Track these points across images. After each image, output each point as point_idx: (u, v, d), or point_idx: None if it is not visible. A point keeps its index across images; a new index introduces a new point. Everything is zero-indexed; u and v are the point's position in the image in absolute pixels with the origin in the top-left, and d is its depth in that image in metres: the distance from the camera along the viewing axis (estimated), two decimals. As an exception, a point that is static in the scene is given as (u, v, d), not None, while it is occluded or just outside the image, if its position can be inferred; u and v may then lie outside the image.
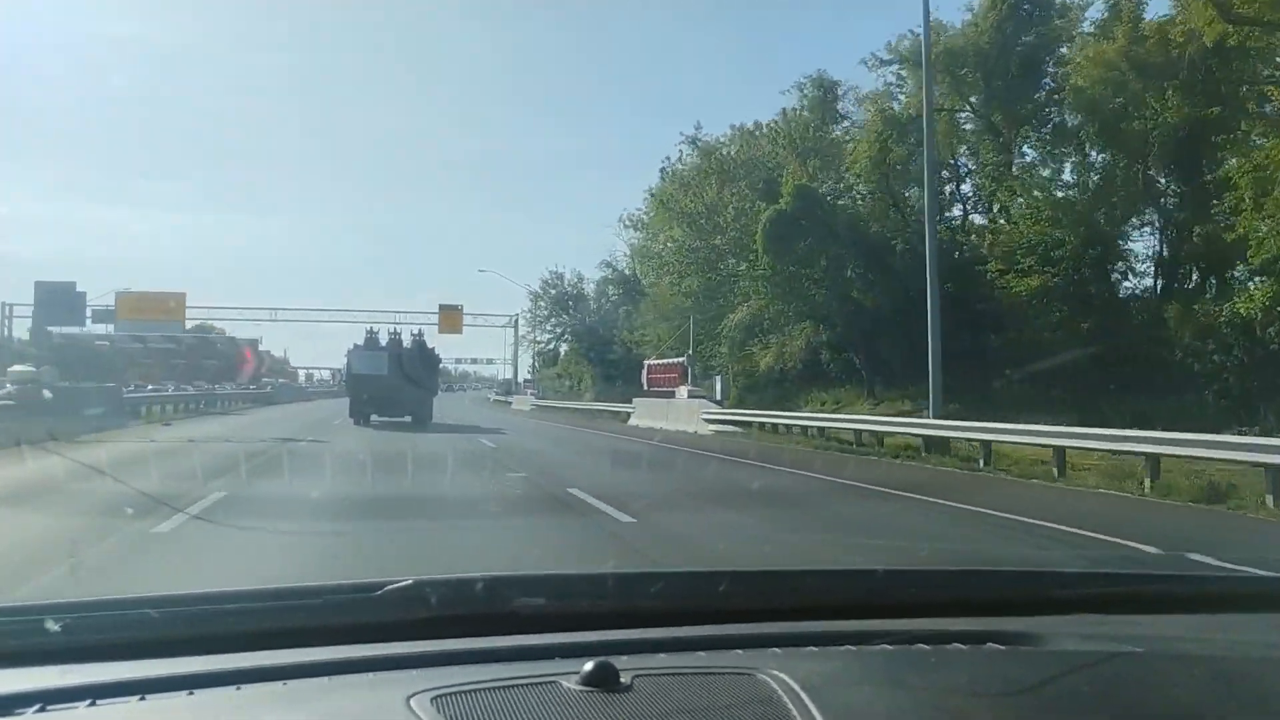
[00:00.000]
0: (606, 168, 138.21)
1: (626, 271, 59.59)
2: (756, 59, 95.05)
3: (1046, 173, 31.44)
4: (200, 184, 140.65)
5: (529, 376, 71.45)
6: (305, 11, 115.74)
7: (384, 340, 29.91)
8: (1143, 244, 29.22)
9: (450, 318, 64.52)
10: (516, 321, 73.07)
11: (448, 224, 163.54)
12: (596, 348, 59.18)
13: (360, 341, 29.94)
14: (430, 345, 31.60)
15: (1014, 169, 32.00)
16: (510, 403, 60.51)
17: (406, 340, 30.25)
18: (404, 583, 1.59)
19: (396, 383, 27.46)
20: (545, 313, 69.03)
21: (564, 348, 70.55)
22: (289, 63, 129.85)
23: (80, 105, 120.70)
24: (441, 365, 37.62)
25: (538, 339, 71.01)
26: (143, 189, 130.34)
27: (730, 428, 25.67)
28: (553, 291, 67.45)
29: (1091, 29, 29.32)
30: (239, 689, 1.34)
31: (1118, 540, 7.89)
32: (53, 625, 1.47)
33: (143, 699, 1.31)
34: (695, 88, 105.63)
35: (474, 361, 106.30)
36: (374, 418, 27.38)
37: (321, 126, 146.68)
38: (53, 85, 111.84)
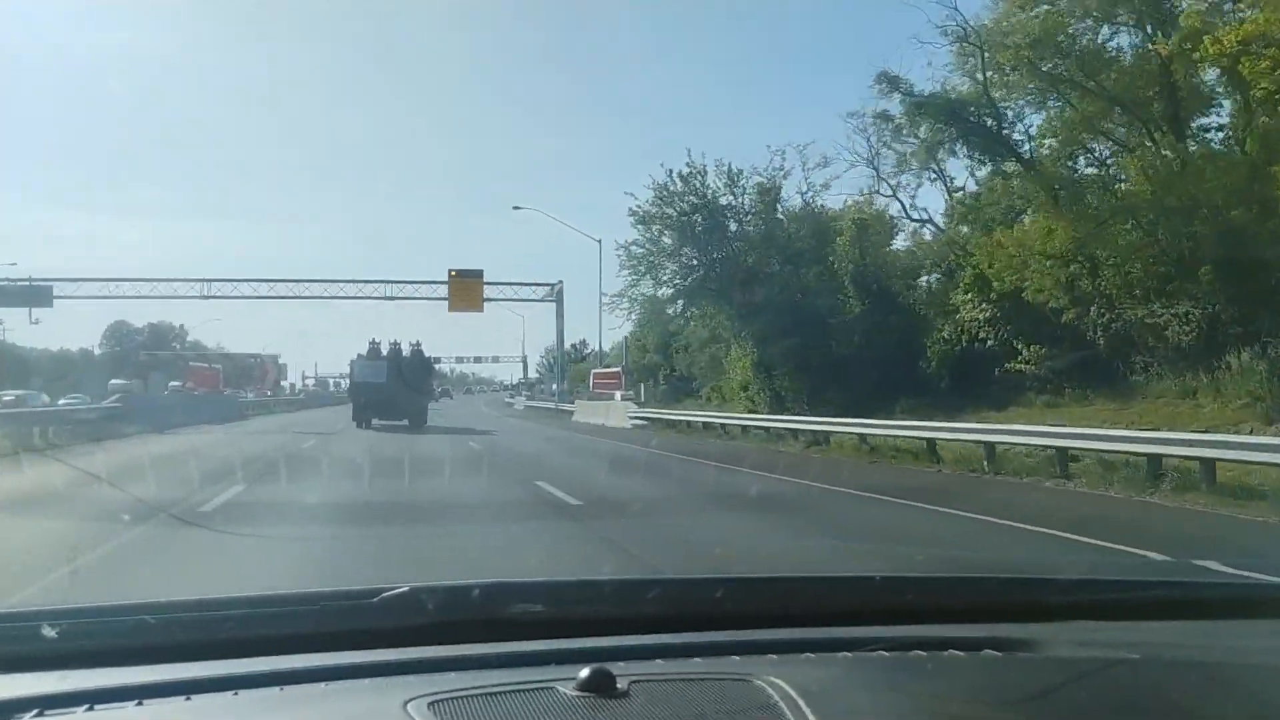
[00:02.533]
0: (595, 169, 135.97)
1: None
2: (744, 56, 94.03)
3: None
4: (190, 191, 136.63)
5: (611, 367, 47.34)
6: (292, 18, 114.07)
7: (385, 350, 32.00)
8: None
9: (465, 290, 46.20)
10: (561, 293, 49.70)
11: (442, 228, 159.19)
12: (777, 307, 29.73)
13: (364, 351, 32.23)
14: (427, 354, 34.21)
15: None
16: (570, 412, 40.21)
17: (406, 350, 32.42)
18: (400, 589, 1.60)
19: (395, 389, 29.41)
20: (668, 246, 32.49)
21: (627, 330, 45.83)
22: (276, 69, 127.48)
23: (65, 114, 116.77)
24: (437, 367, 40.06)
25: (642, 292, 34.05)
26: (132, 197, 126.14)
27: None
28: (683, 205, 31.88)
29: None
30: (236, 694, 1.35)
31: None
32: (50, 631, 1.48)
33: (140, 704, 1.32)
34: (682, 89, 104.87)
35: (477, 360, 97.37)
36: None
37: (311, 132, 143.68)
38: (36, 94, 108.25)
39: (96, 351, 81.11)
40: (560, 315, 50.86)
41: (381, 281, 49.08)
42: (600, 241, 41.39)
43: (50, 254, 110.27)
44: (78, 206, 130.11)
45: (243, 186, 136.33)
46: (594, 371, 49.15)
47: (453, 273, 46.64)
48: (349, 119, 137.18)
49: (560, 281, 51.08)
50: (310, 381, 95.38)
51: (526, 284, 51.97)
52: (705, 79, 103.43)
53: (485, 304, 48.00)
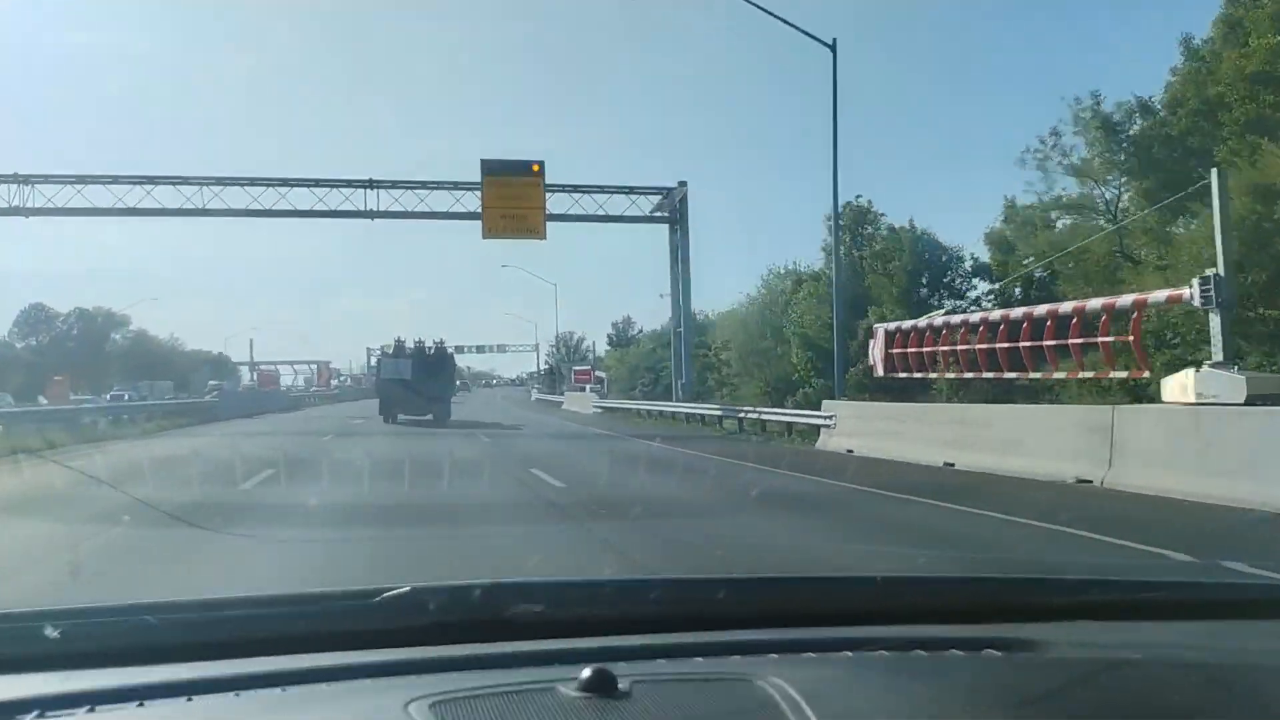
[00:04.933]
0: (585, 162, 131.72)
1: None
2: (731, 47, 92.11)
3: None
4: (174, 191, 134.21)
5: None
6: (273, 13, 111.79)
7: (409, 347, 33.86)
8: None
9: (512, 197, 27.87)
10: (684, 204, 31.16)
11: (427, 225, 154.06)
12: None
13: (389, 349, 33.92)
14: (449, 351, 35.91)
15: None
16: (813, 426, 19.57)
17: (429, 347, 34.28)
18: (402, 589, 1.60)
19: (419, 385, 30.94)
20: None
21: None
22: (258, 65, 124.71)
23: (45, 114, 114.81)
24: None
25: None
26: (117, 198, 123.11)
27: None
28: None
29: None
30: (238, 695, 1.35)
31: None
32: (51, 631, 1.48)
33: (141, 705, 1.32)
34: (672, 78, 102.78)
35: (479, 350, 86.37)
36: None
37: (295, 128, 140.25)
38: (14, 94, 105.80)
39: (19, 345, 63.88)
40: (683, 237, 31.07)
41: (364, 185, 29.46)
42: (834, 44, 20.51)
43: (33, 255, 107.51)
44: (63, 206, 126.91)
45: (233, 185, 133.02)
46: (882, 329, 20.39)
47: (485, 167, 27.88)
48: (323, 117, 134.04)
49: (683, 184, 30.94)
50: (216, 384, 57.86)
51: (620, 189, 30.73)
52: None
53: (549, 225, 28.74)
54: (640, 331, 54.42)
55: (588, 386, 48.08)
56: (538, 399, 56.87)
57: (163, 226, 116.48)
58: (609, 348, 65.79)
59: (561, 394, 56.29)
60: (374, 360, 35.56)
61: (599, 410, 38.90)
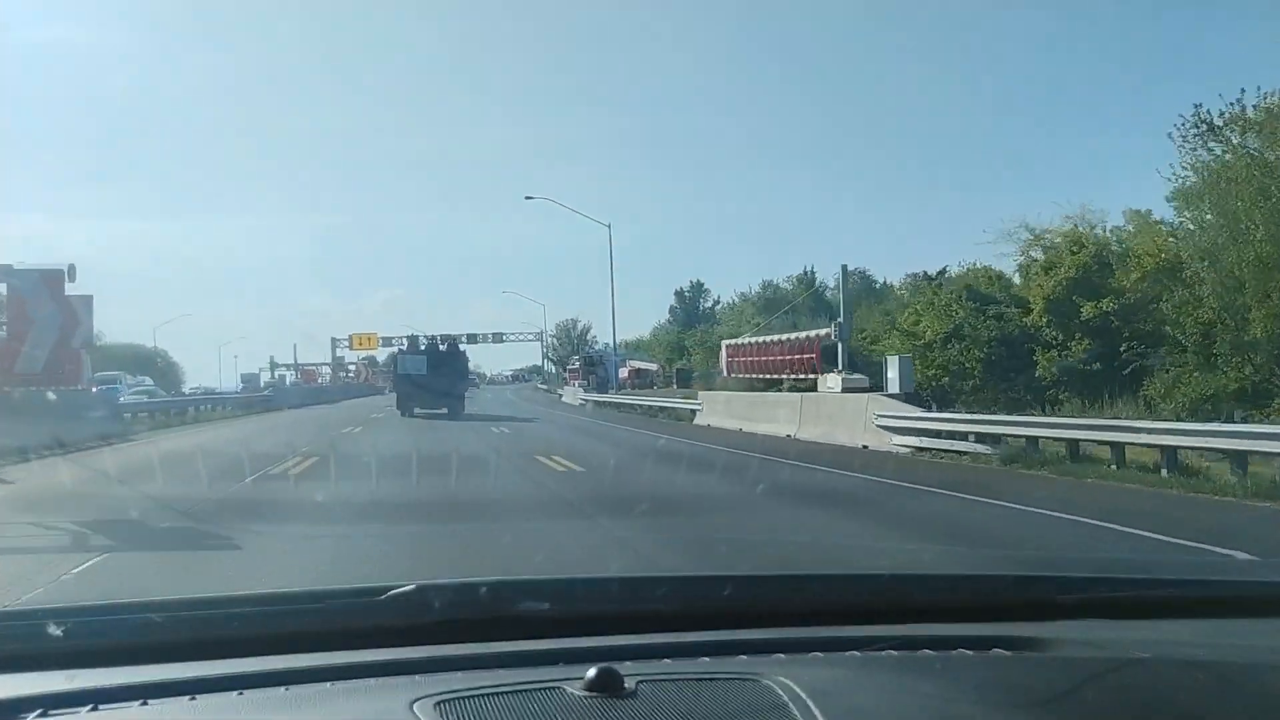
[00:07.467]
0: (561, 157, 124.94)
1: None
2: (715, 43, 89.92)
3: None
4: (148, 189, 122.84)
5: None
6: (244, 8, 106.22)
7: (424, 345, 35.90)
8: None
9: None
10: None
11: (402, 220, 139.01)
12: None
13: (404, 347, 36.60)
14: (462, 347, 37.94)
15: None
16: None
17: (442, 345, 36.11)
18: (407, 588, 1.59)
19: (434, 380, 32.40)
20: None
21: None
22: (229, 61, 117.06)
23: (12, 112, 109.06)
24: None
25: None
26: (83, 197, 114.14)
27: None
28: None
29: None
30: (241, 694, 1.34)
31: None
32: (55, 630, 1.48)
33: (145, 704, 1.31)
34: (654, 74, 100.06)
35: (471, 339, 70.91)
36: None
37: (267, 126, 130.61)
38: None
39: None
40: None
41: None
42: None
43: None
44: (31, 209, 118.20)
45: (209, 185, 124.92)
46: None
47: None
48: (297, 115, 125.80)
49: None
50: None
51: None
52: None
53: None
54: (718, 303, 39.52)
55: (838, 379, 21.19)
56: (585, 401, 38.41)
57: (117, 223, 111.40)
58: (668, 323, 47.42)
59: (598, 391, 39.86)
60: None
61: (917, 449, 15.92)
